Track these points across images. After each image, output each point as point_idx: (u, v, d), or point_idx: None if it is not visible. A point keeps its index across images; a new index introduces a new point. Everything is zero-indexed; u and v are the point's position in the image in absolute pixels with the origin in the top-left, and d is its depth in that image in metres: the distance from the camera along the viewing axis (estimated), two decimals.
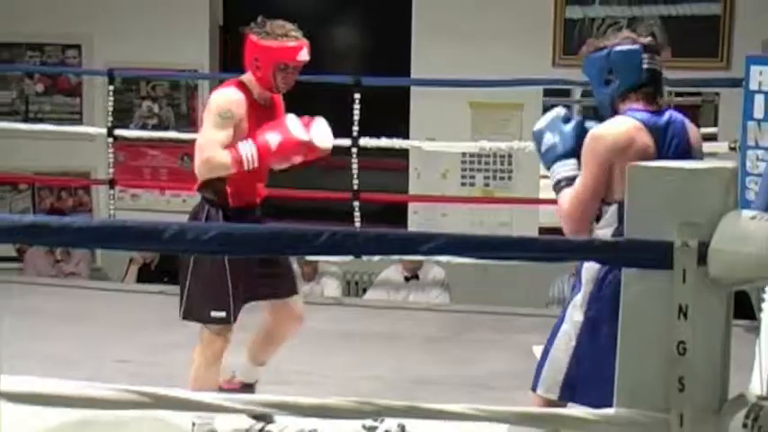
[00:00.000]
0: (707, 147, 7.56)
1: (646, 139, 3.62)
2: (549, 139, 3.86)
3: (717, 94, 8.66)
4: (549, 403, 3.77)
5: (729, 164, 2.20)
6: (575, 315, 3.76)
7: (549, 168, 3.86)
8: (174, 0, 9.72)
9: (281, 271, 4.87)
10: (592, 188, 3.66)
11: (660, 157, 3.58)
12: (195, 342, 6.62)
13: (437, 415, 2.36)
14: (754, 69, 6.25)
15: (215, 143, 4.54)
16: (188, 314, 4.77)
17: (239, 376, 5.03)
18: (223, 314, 4.65)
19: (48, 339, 6.57)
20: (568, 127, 3.84)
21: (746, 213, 2.07)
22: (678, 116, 3.81)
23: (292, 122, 4.61)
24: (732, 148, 6.87)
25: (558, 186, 3.78)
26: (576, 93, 9.04)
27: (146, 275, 8.99)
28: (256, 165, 4.53)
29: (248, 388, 4.99)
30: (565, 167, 3.78)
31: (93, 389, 2.55)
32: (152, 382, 3.12)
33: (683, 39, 8.89)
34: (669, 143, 3.65)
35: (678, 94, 8.85)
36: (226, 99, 4.62)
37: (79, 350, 6.33)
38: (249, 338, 4.98)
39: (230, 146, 4.54)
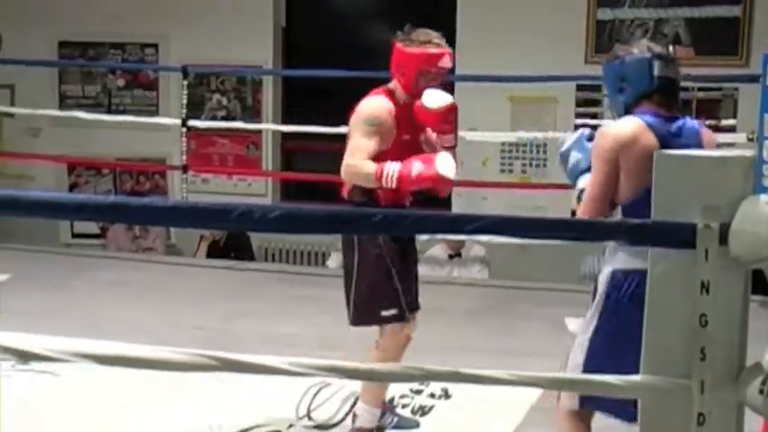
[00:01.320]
0: (727, 137, 7.57)
1: (651, 140, 3.48)
2: (574, 156, 3.77)
3: (736, 89, 8.60)
4: (576, 413, 3.71)
5: (748, 153, 2.17)
6: (591, 322, 3.69)
7: (574, 183, 3.76)
8: (241, 4, 9.74)
9: (417, 284, 4.68)
10: (600, 184, 3.55)
11: None
12: (261, 311, 6.69)
13: (477, 380, 2.36)
14: None
15: (362, 151, 4.32)
16: (358, 321, 4.49)
17: None
18: (395, 311, 4.42)
19: (128, 308, 6.62)
20: (591, 145, 3.73)
21: (764, 198, 2.05)
22: (693, 124, 3.68)
23: (442, 160, 4.32)
24: (750, 139, 6.83)
25: (579, 197, 3.69)
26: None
27: (215, 251, 9.04)
28: (393, 187, 4.27)
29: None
30: (586, 180, 3.67)
31: (169, 352, 2.57)
32: (221, 346, 3.16)
33: (706, 39, 8.84)
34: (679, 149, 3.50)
35: (701, 89, 8.81)
36: (374, 106, 4.39)
37: (156, 317, 6.38)
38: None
39: (378, 159, 4.31)
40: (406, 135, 4.41)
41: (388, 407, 4.78)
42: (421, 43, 4.45)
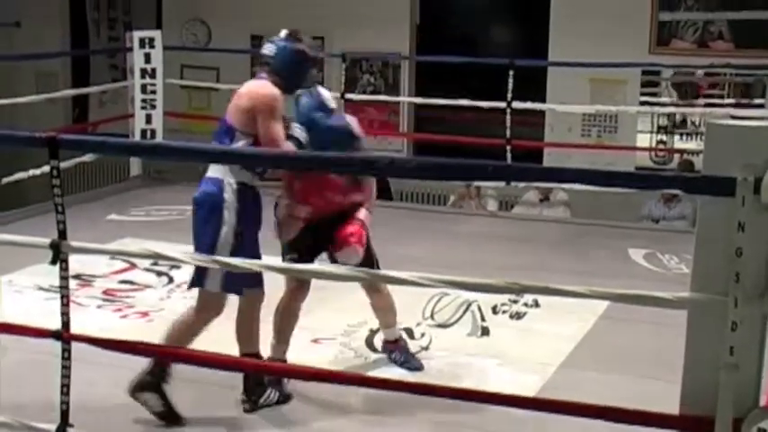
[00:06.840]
0: (758, 113, 7.36)
1: None
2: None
3: (766, 75, 8.36)
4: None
5: None
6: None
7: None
8: (385, 6, 9.75)
9: None
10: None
11: None
12: (397, 237, 6.72)
13: (563, 293, 2.35)
14: None
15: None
16: None
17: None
18: None
19: None
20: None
21: None
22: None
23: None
24: None
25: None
26: (665, 73, 8.83)
27: None
28: None
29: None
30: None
31: (330, 267, 2.61)
32: None
33: (744, 36, 8.67)
34: None
35: (737, 75, 8.62)
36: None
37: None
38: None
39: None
40: None
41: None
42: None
